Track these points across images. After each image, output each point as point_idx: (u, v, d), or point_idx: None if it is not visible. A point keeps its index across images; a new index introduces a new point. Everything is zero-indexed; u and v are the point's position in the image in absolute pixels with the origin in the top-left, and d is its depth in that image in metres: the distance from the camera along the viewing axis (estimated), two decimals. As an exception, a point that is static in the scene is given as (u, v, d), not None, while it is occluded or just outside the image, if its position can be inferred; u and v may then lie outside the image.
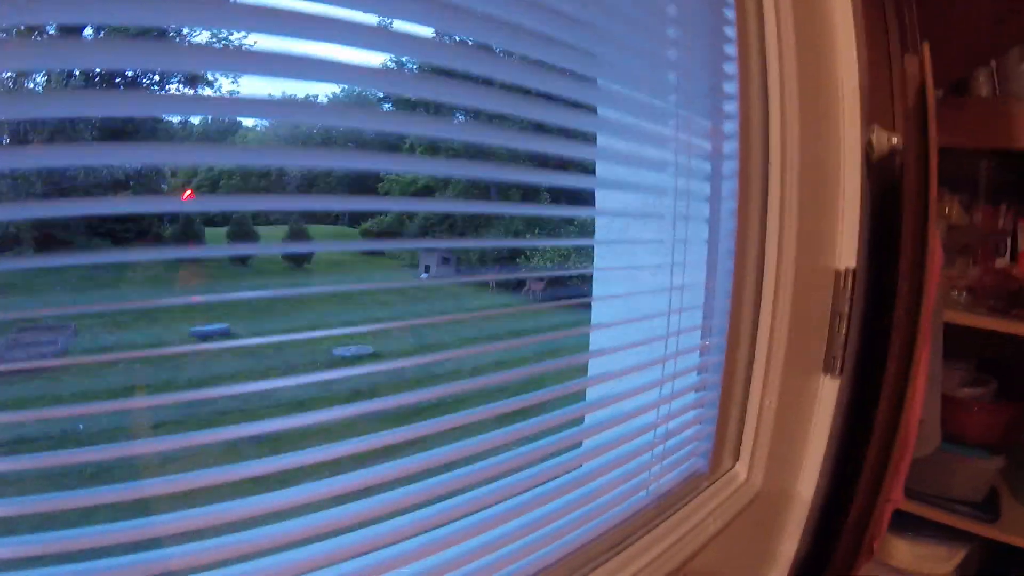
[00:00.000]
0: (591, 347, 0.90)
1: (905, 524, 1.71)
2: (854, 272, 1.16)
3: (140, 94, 0.40)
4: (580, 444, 0.76)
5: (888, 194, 1.30)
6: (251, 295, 0.49)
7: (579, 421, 0.77)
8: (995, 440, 1.71)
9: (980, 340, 1.63)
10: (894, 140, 1.18)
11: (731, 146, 0.92)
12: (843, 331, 1.18)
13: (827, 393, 1.20)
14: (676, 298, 0.85)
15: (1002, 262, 1.75)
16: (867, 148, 1.17)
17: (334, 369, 0.51)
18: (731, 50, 0.91)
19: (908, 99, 1.21)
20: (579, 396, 0.80)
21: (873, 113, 1.21)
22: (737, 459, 1.00)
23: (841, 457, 1.35)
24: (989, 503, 1.67)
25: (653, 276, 0.86)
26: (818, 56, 1.07)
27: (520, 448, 0.68)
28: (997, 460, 1.69)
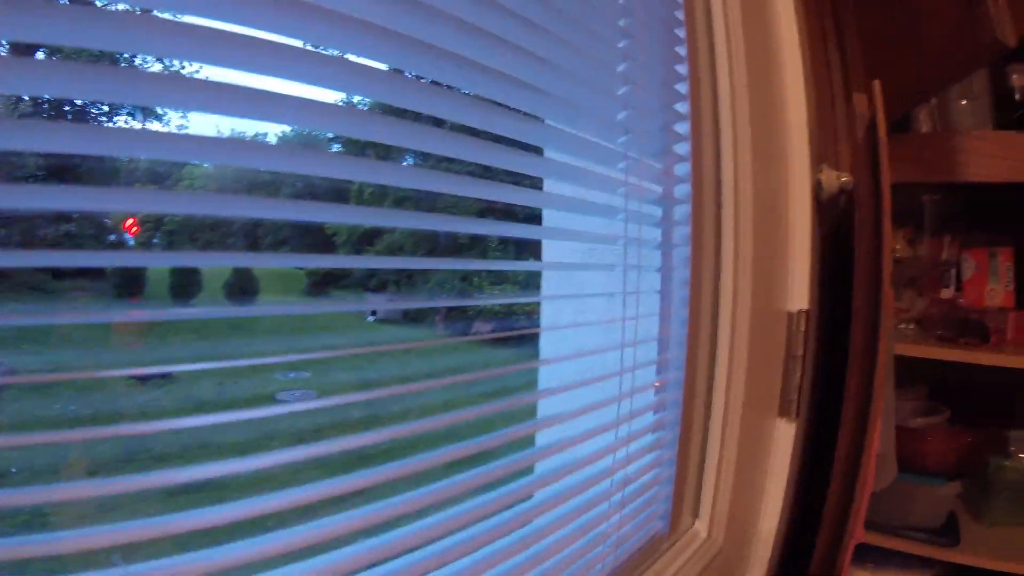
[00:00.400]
0: (540, 410, 0.85)
1: (866, 556, 1.69)
2: (807, 313, 1.14)
3: (88, 128, 0.33)
4: (531, 496, 0.70)
5: (836, 233, 1.29)
6: (194, 313, 0.46)
7: (529, 470, 0.71)
8: (951, 466, 1.71)
9: (930, 369, 1.63)
10: (843, 179, 1.16)
11: (683, 189, 0.89)
12: (798, 374, 1.16)
13: (784, 437, 1.17)
14: (629, 353, 0.80)
15: (948, 292, 1.76)
16: (816, 188, 1.16)
17: (277, 421, 0.47)
18: (683, 88, 0.88)
19: (856, 137, 1.20)
20: (529, 441, 0.74)
21: (821, 152, 1.20)
22: (697, 516, 0.95)
23: (801, 499, 1.32)
24: (949, 528, 1.67)
25: (604, 330, 0.82)
26: (767, 93, 1.05)
27: (467, 501, 0.61)
28: (954, 485, 1.69)
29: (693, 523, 0.95)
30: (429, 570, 0.56)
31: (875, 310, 1.16)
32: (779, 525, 1.18)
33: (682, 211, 0.88)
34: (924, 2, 1.38)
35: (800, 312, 1.12)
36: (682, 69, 0.88)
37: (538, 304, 1.07)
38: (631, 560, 0.81)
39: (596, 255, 0.86)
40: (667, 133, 0.87)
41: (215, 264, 0.44)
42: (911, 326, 1.74)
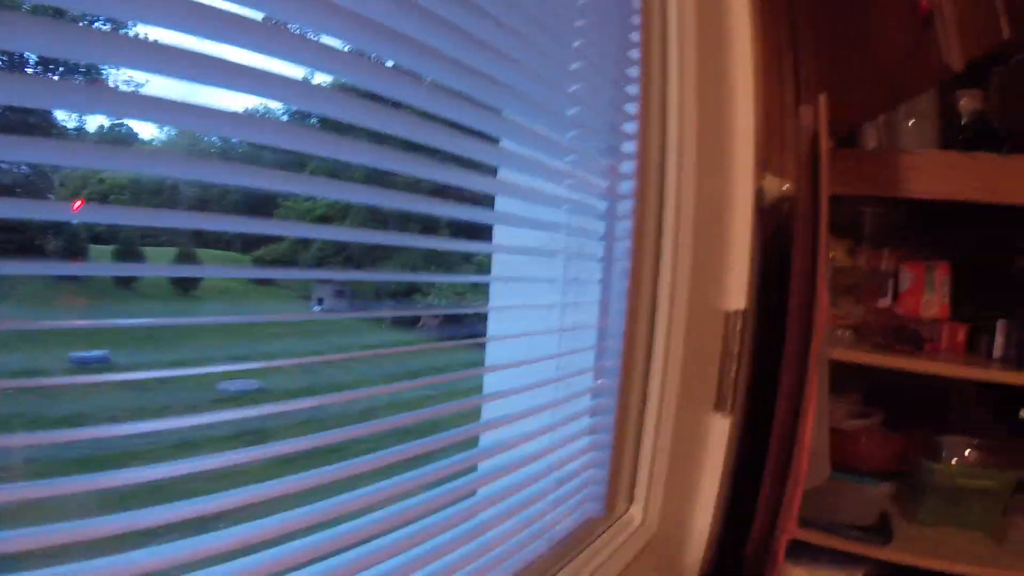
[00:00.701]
0: (485, 389, 0.87)
1: (800, 553, 1.74)
2: (744, 313, 1.18)
3: (37, 81, 0.36)
4: (474, 493, 0.72)
5: (776, 238, 1.34)
6: (135, 323, 0.45)
7: (473, 469, 0.73)
8: (884, 467, 1.76)
9: (866, 375, 1.69)
10: (785, 187, 1.21)
11: (628, 186, 0.92)
12: (733, 370, 1.20)
13: (719, 431, 1.21)
14: (567, 339, 0.83)
15: (885, 302, 1.83)
16: (758, 193, 1.20)
17: (220, 407, 0.46)
18: (633, 90, 0.92)
19: (801, 147, 1.25)
20: (472, 443, 0.76)
21: (765, 160, 1.24)
22: (632, 501, 0.98)
23: (734, 492, 1.36)
24: (881, 526, 1.72)
25: (545, 316, 0.84)
26: (717, 101, 1.09)
27: (411, 499, 0.62)
28: (886, 486, 1.75)
29: (628, 508, 0.98)
30: (391, 555, 0.60)
31: (809, 312, 1.20)
32: (714, 516, 1.22)
33: (625, 207, 0.91)
34: (878, 24, 1.43)
35: (737, 312, 1.17)
36: (633, 72, 0.91)
37: (487, 288, 1.07)
38: (566, 540, 0.84)
39: (543, 243, 0.88)
40: (615, 132, 0.90)
41: (165, 224, 0.44)
42: (848, 333, 1.80)
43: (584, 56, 0.80)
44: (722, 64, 1.14)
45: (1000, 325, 1.64)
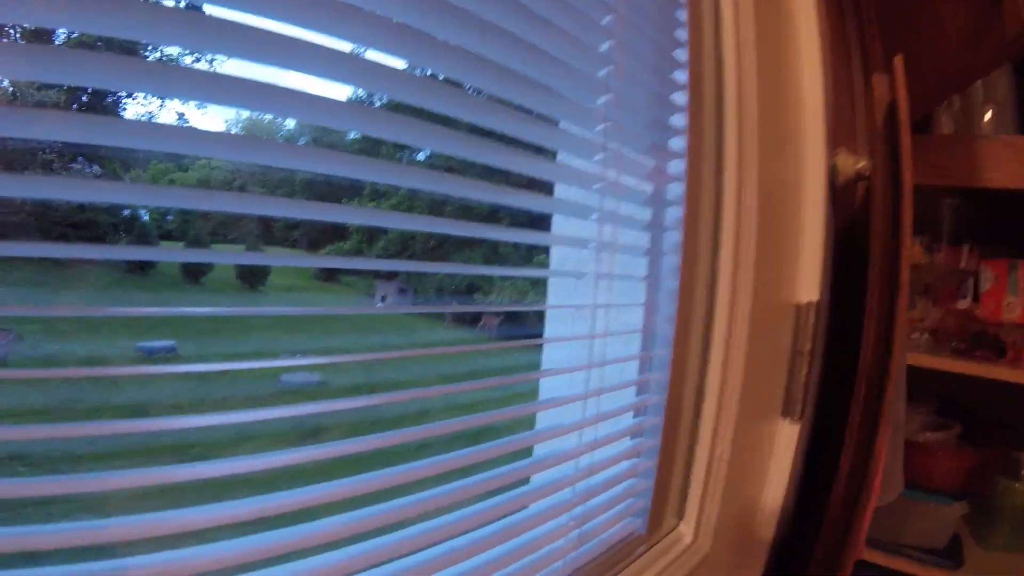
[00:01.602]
0: (542, 394, 0.75)
1: (864, 574, 1.59)
2: (817, 305, 1.03)
3: (105, 119, 0.35)
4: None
5: (852, 223, 1.18)
6: (199, 311, 0.45)
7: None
8: (958, 485, 1.60)
9: (942, 382, 1.53)
10: (860, 164, 1.06)
11: (678, 166, 0.78)
12: (804, 371, 1.05)
13: (786, 440, 1.06)
14: (611, 338, 0.70)
15: (964, 303, 1.65)
16: (831, 173, 1.05)
17: (281, 399, 0.41)
18: (682, 55, 0.78)
19: (875, 121, 1.09)
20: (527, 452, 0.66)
21: (836, 137, 1.09)
22: (682, 518, 0.84)
23: (799, 508, 1.21)
24: (952, 550, 1.58)
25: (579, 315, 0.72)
26: (780, 72, 0.95)
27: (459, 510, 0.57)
28: (959, 506, 1.59)
29: (677, 525, 0.84)
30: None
31: (889, 310, 1.05)
32: (775, 534, 1.07)
33: (676, 190, 0.77)
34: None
35: (809, 304, 1.01)
36: (682, 34, 0.77)
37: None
38: (602, 559, 0.71)
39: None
40: (662, 103, 0.76)
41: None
42: (924, 336, 1.63)
43: (625, 20, 0.67)
44: (783, 31, 0.99)
45: (1092, 331, 1.45)
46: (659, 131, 0.77)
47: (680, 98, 0.78)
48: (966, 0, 1.18)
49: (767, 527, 1.06)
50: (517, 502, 0.60)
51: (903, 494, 1.44)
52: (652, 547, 0.77)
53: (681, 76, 0.77)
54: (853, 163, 1.05)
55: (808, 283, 1.03)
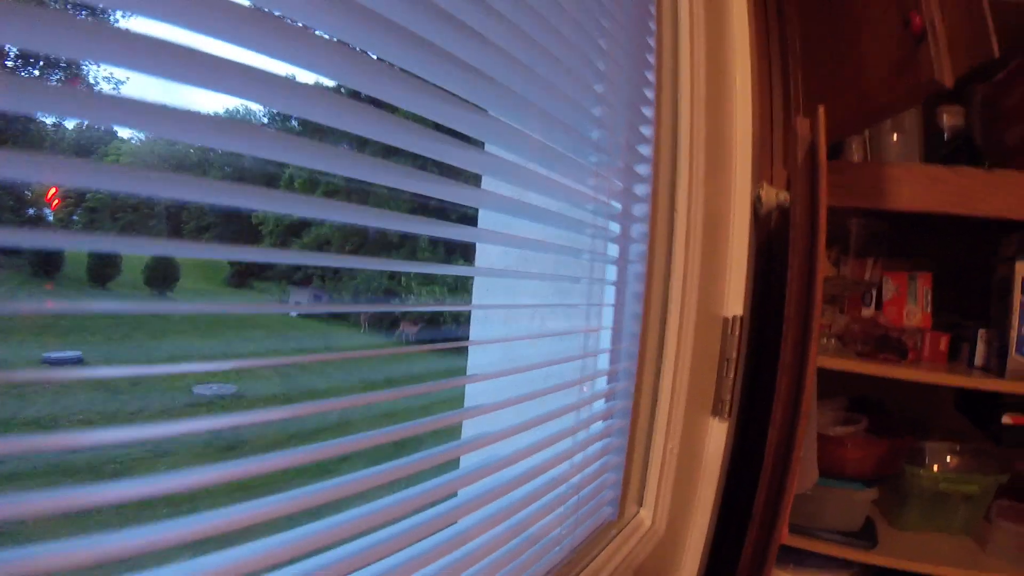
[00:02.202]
0: (472, 398, 0.86)
1: (787, 557, 1.76)
2: (741, 319, 1.19)
3: (17, 81, 0.31)
4: (456, 494, 0.64)
5: (768, 245, 1.35)
6: (106, 308, 0.38)
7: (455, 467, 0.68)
8: (869, 473, 1.78)
9: (850, 382, 1.71)
10: (782, 196, 1.22)
11: (640, 208, 0.91)
12: (731, 375, 1.20)
13: (716, 436, 1.21)
14: (591, 341, 0.83)
15: (868, 311, 1.85)
16: (755, 203, 1.21)
17: (195, 411, 0.41)
18: (648, 112, 0.92)
19: (796, 157, 1.26)
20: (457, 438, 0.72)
21: (759, 170, 1.26)
22: (641, 504, 0.98)
23: (728, 498, 1.37)
24: (866, 531, 1.75)
25: (567, 319, 0.84)
26: (719, 115, 1.10)
27: (417, 515, 0.58)
28: (871, 492, 1.77)
29: (637, 511, 0.98)
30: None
31: (805, 321, 1.21)
32: (710, 521, 1.22)
33: (641, 209, 0.91)
34: (868, 39, 1.46)
35: (735, 318, 1.17)
36: (649, 93, 0.91)
37: (467, 289, 1.05)
38: (585, 544, 0.83)
39: (547, 264, 0.88)
40: (631, 152, 0.90)
41: (138, 252, 0.39)
42: (832, 341, 1.82)
43: (606, 79, 0.80)
44: (724, 76, 1.15)
45: (981, 334, 1.67)
46: (630, 157, 0.90)
47: (647, 130, 0.92)
48: (887, 41, 1.35)
49: (704, 516, 1.21)
50: (532, 496, 0.71)
51: (820, 482, 1.61)
52: (620, 531, 0.90)
53: (648, 112, 0.92)
54: (775, 195, 1.22)
55: (734, 300, 1.18)
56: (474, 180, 0.73)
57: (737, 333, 1.17)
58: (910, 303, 1.83)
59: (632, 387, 0.89)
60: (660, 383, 0.97)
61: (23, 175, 0.33)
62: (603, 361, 0.88)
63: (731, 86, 1.16)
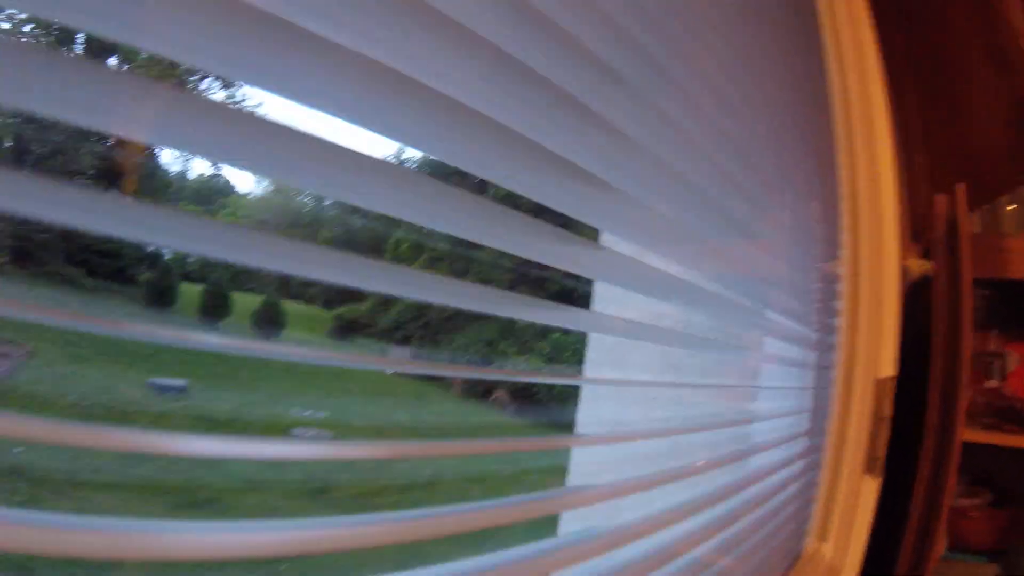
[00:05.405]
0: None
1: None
2: (894, 380, 1.34)
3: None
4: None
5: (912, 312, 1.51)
6: (215, 344, 0.38)
7: None
8: (991, 546, 1.87)
9: (973, 453, 1.82)
10: (926, 267, 1.39)
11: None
12: (883, 434, 1.35)
13: (867, 492, 1.35)
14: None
15: (992, 383, 1.97)
16: (903, 272, 1.38)
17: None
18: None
19: (936, 232, 1.43)
20: None
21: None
22: (824, 540, 1.13)
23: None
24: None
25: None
26: (876, 191, 1.29)
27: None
28: (992, 567, 1.85)
29: (820, 547, 1.12)
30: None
31: (952, 382, 1.36)
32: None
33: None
34: (981, 121, 1.64)
35: (889, 378, 1.33)
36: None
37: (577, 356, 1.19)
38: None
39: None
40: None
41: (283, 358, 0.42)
42: (958, 411, 1.93)
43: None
44: (875, 157, 1.34)
45: (1106, 406, 1.77)
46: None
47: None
48: (998, 133, 1.53)
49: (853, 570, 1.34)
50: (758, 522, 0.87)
51: (943, 556, 1.71)
52: (808, 564, 1.05)
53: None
54: (919, 266, 1.39)
55: (888, 361, 1.34)
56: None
57: (889, 393, 1.32)
58: (1034, 375, 1.94)
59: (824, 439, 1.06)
60: (847, 431, 1.13)
61: (135, 235, 0.33)
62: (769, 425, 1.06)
63: (880, 165, 1.35)
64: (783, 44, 1.03)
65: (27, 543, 0.28)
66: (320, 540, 0.38)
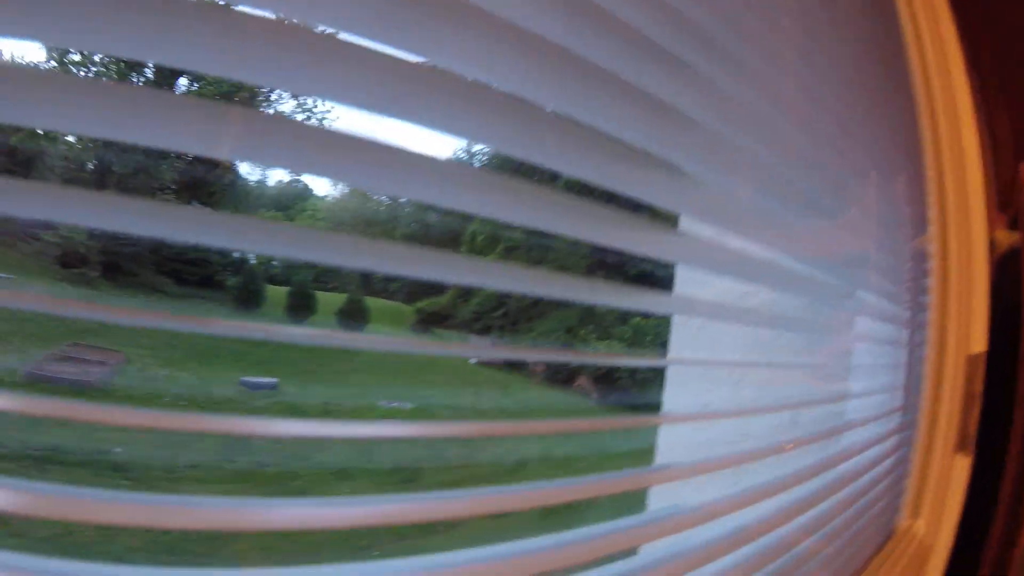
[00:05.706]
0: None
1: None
2: (985, 355, 1.33)
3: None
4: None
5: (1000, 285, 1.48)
6: (305, 337, 0.46)
7: None
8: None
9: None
10: (1014, 239, 1.36)
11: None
12: (975, 411, 1.33)
13: (960, 469, 1.34)
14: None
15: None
16: (991, 244, 1.36)
17: (379, 443, 0.46)
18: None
19: (1022, 199, 1.40)
20: None
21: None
22: (917, 516, 1.14)
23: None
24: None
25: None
26: (960, 171, 1.28)
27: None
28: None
29: (913, 523, 1.13)
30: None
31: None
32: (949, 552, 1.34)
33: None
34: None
35: (980, 353, 1.31)
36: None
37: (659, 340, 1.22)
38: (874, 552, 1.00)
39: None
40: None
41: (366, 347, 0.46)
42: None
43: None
44: (957, 128, 1.32)
45: None
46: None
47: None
48: None
49: (944, 546, 1.34)
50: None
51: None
52: (902, 538, 1.07)
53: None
54: (1007, 238, 1.36)
55: (978, 336, 1.33)
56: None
57: (980, 368, 1.31)
58: None
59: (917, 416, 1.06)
60: (940, 408, 1.13)
61: (219, 242, 0.36)
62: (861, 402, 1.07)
63: (966, 138, 1.33)
64: (860, 23, 1.03)
65: (154, 520, 0.35)
66: (415, 511, 0.45)
